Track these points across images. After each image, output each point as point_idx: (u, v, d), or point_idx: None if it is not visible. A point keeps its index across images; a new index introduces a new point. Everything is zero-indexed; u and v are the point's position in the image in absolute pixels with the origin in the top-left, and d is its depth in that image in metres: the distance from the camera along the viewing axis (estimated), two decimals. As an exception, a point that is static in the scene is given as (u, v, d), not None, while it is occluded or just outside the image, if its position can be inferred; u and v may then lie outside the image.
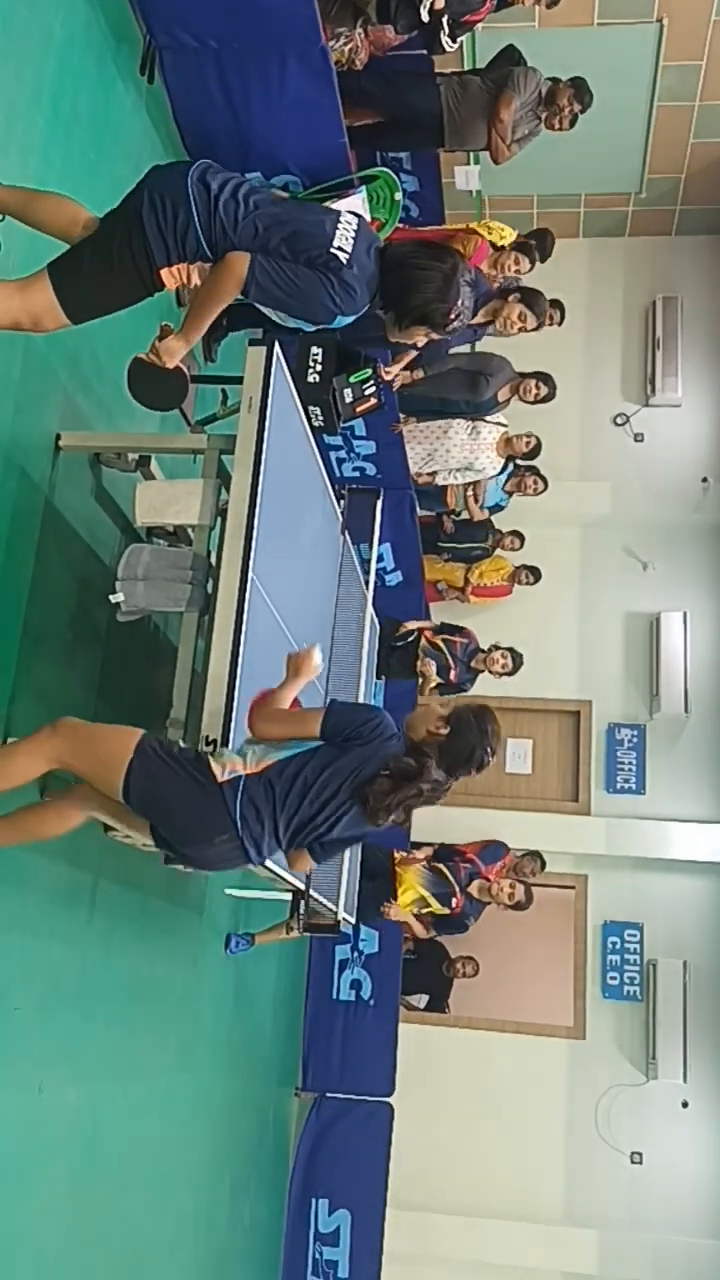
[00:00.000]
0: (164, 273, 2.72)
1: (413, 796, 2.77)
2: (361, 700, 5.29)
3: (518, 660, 7.17)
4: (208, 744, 2.82)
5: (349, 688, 5.16)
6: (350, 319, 2.93)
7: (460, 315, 2.97)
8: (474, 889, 6.27)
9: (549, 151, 6.32)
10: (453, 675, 6.96)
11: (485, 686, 8.14)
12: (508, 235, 5.87)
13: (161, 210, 2.65)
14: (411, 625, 6.80)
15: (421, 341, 3.08)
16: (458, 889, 6.20)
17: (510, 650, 7.14)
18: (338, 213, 2.91)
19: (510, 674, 7.18)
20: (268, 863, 3.48)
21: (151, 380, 3.04)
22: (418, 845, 6.91)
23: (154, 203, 2.66)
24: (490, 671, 7.10)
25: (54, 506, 3.51)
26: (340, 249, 2.80)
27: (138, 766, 2.68)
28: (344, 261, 2.80)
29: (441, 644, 6.89)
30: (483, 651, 7.10)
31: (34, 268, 2.87)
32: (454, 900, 6.19)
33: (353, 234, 2.85)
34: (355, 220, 2.89)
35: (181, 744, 2.77)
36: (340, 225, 2.85)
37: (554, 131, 5.67)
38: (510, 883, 6.31)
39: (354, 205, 4.59)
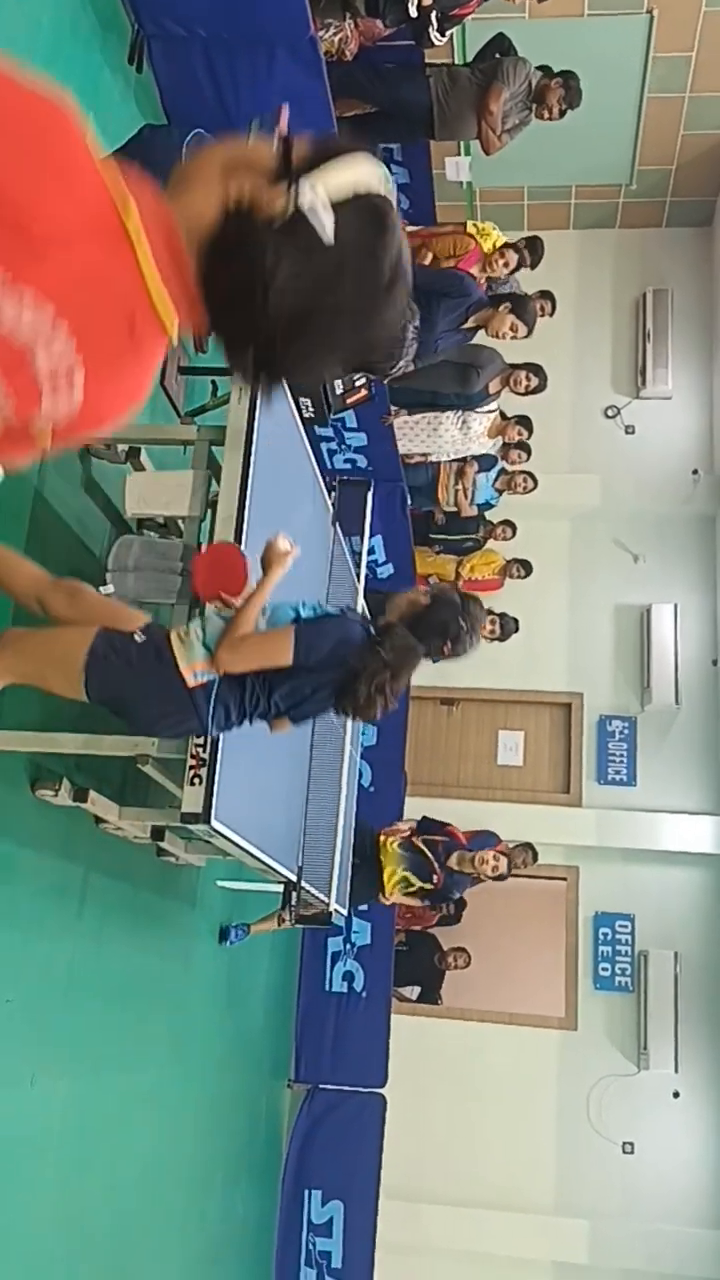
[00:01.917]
0: None
1: (381, 673, 2.65)
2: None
3: (508, 626, 7.18)
4: (172, 632, 2.72)
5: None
6: None
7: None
8: (453, 861, 6.28)
9: (539, 143, 6.33)
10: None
11: (477, 678, 8.17)
12: (496, 239, 5.89)
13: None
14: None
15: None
16: (436, 865, 6.23)
17: (501, 616, 7.15)
18: None
19: (500, 639, 7.22)
20: (258, 854, 3.49)
21: None
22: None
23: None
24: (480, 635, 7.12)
25: (43, 498, 3.49)
26: None
27: (96, 665, 2.61)
28: None
29: None
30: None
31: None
32: (434, 876, 6.22)
33: None
34: None
35: (138, 637, 2.67)
36: None
37: (543, 121, 5.68)
38: (494, 854, 6.31)
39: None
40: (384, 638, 2.70)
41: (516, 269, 5.90)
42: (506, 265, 5.76)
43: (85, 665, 2.61)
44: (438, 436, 6.67)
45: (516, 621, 7.31)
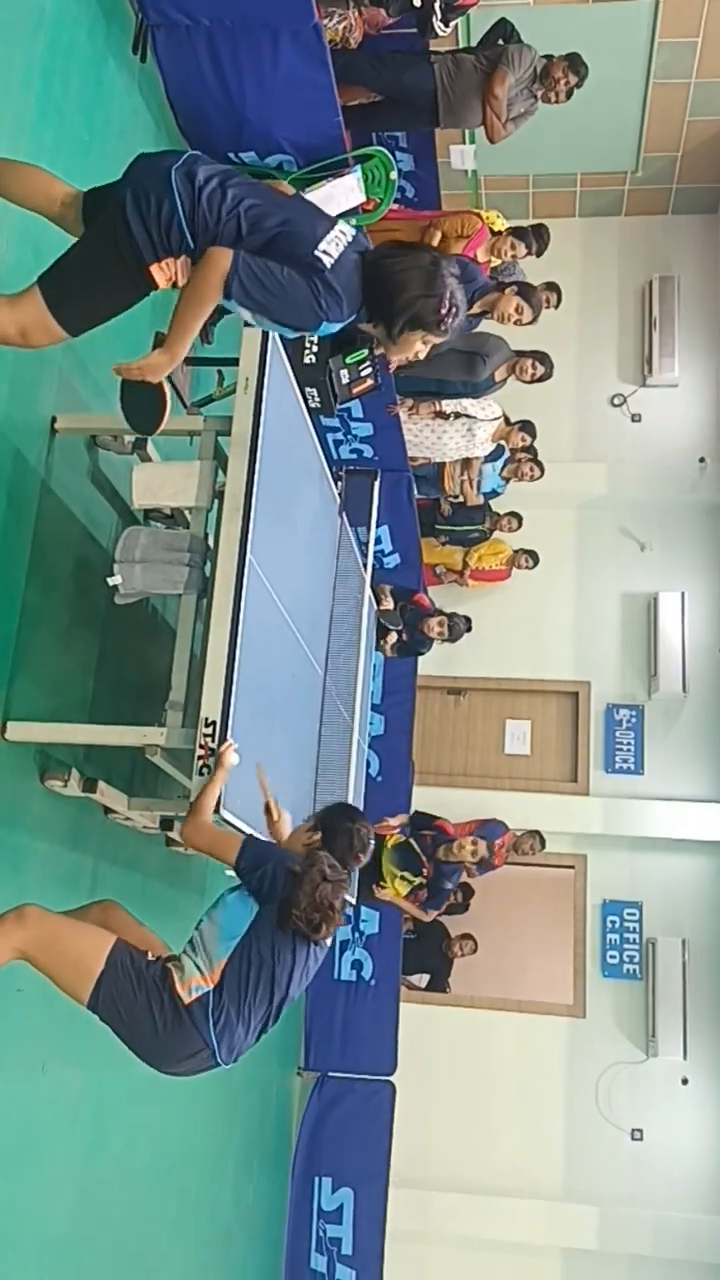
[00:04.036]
0: (153, 269, 2.60)
1: (321, 886, 2.73)
2: (362, 679, 5.30)
3: (457, 628, 7.20)
4: (170, 960, 2.78)
5: (347, 670, 5.17)
6: (336, 327, 2.74)
7: (454, 309, 2.71)
8: (440, 853, 6.36)
9: (544, 131, 6.31)
10: (403, 636, 7.10)
11: (484, 667, 8.19)
12: (501, 225, 5.88)
13: (145, 204, 2.55)
14: (386, 603, 6.86)
15: (421, 351, 2.81)
16: (424, 857, 6.29)
17: (450, 616, 7.18)
18: (333, 220, 2.77)
19: (450, 640, 7.25)
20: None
21: (134, 397, 2.94)
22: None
23: (138, 198, 2.55)
24: (428, 636, 7.20)
25: (50, 489, 3.50)
26: (325, 253, 2.63)
27: (107, 982, 2.62)
28: (327, 265, 2.62)
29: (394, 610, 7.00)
30: (428, 616, 7.17)
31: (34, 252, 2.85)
32: (423, 869, 6.28)
33: (344, 241, 2.69)
34: (351, 232, 2.75)
35: (150, 958, 2.73)
36: (333, 231, 2.69)
37: (550, 105, 5.66)
38: (471, 840, 6.37)
39: (349, 185, 4.59)
40: (311, 861, 2.80)
41: (524, 256, 5.89)
42: (514, 252, 5.75)
43: (100, 974, 2.63)
44: (442, 443, 6.71)
45: (468, 620, 7.31)
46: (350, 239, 2.72)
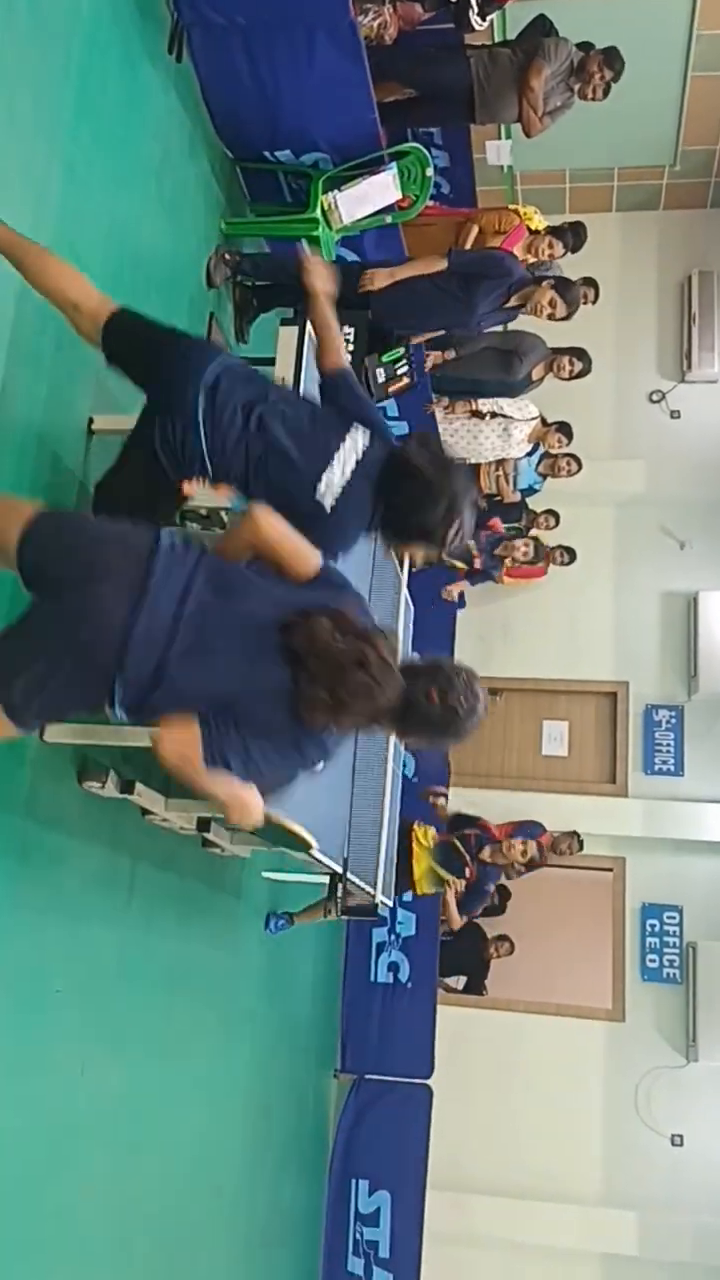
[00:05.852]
0: (184, 485, 2.84)
1: (353, 664, 2.11)
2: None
3: (539, 550, 7.44)
4: None
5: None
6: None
7: (461, 537, 2.80)
8: (485, 854, 6.26)
9: (581, 125, 6.23)
10: (477, 563, 7.28)
11: (521, 667, 8.12)
12: (539, 222, 5.82)
13: (174, 443, 2.72)
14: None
15: (418, 557, 3.01)
16: (468, 858, 6.20)
17: (535, 540, 7.39)
18: (343, 434, 2.79)
19: (531, 562, 7.48)
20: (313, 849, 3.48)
21: None
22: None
23: (166, 436, 2.72)
24: (512, 558, 7.40)
25: (88, 490, 3.49)
26: (323, 497, 2.72)
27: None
28: (327, 511, 2.72)
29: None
30: (505, 539, 7.26)
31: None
32: (466, 870, 6.19)
33: (353, 462, 2.75)
34: (359, 449, 2.78)
35: None
36: (336, 460, 2.74)
37: (588, 102, 5.60)
38: (521, 840, 6.28)
39: (384, 182, 4.56)
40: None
41: (562, 255, 5.84)
42: (551, 251, 5.69)
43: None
44: (478, 444, 6.69)
45: (544, 546, 7.56)
46: (360, 457, 2.77)
